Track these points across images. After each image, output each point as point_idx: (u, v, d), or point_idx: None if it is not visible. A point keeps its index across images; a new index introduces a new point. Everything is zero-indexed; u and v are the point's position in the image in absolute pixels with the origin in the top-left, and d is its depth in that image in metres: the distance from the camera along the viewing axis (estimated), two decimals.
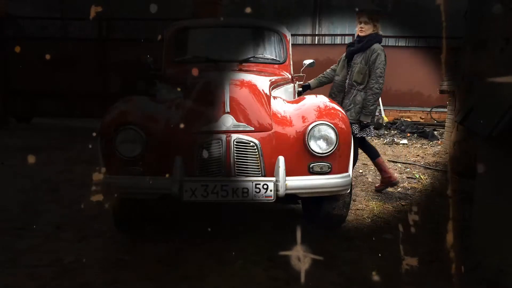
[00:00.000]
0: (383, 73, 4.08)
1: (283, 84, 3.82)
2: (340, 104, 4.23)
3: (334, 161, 2.93)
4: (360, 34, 4.20)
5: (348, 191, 3.08)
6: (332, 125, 2.91)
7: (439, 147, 6.89)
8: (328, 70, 4.57)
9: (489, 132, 2.55)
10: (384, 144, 7.23)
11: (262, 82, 3.29)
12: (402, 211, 3.93)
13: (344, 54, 4.38)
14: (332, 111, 3.11)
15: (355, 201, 4.13)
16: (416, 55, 8.75)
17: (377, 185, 4.59)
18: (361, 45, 4.18)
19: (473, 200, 3.24)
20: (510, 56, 3.05)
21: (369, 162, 5.81)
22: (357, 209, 3.91)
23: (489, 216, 2.92)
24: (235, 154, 2.80)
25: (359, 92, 4.14)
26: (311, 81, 4.59)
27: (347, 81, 4.26)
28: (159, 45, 4.53)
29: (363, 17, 4.15)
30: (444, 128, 6.85)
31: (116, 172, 2.86)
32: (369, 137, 4.37)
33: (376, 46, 4.14)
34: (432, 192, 4.54)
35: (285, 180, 2.79)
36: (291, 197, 2.97)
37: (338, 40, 11.08)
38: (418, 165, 5.65)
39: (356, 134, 4.15)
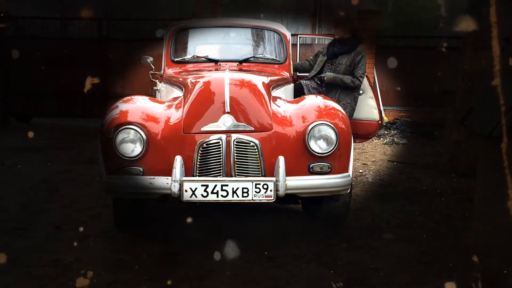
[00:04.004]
0: (364, 74, 4.50)
1: (283, 84, 3.82)
2: None
3: (334, 161, 2.93)
4: (336, 37, 4.61)
5: (348, 191, 3.08)
6: (332, 125, 2.91)
7: (439, 147, 6.88)
8: (306, 61, 4.88)
9: (489, 132, 2.55)
10: (384, 144, 7.22)
11: (262, 82, 3.29)
12: (402, 211, 3.93)
13: (324, 52, 4.63)
14: (332, 111, 3.11)
15: (355, 201, 4.12)
16: (416, 55, 8.73)
17: None
18: (346, 48, 4.49)
19: (473, 200, 3.24)
20: (510, 56, 3.05)
21: (369, 162, 5.81)
22: (357, 209, 3.90)
23: (489, 216, 2.91)
24: (235, 154, 2.80)
25: (343, 90, 4.47)
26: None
27: (326, 79, 4.52)
28: (159, 45, 4.53)
29: (334, 23, 4.65)
30: (444, 128, 6.84)
31: (116, 172, 2.86)
32: None
33: (359, 48, 4.50)
34: (432, 192, 4.54)
35: (285, 180, 2.79)
36: (291, 197, 2.97)
37: None
38: (418, 165, 5.65)
39: None
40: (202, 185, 2.73)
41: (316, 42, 9.06)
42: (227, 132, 2.83)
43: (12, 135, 7.33)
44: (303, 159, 2.91)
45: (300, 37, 5.52)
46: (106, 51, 8.17)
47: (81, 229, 3.38)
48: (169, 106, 3.17)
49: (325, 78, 4.52)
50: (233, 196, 2.74)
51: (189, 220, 3.61)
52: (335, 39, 4.61)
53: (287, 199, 2.99)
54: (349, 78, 4.44)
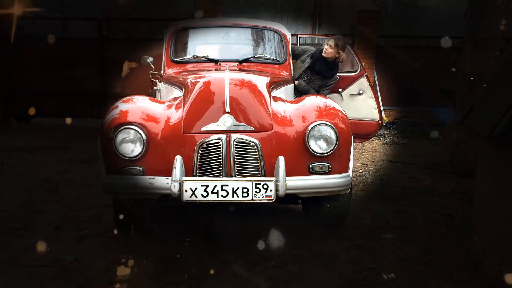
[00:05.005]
0: (327, 95, 4.74)
1: (283, 84, 3.82)
2: None
3: (334, 161, 2.93)
4: (323, 54, 4.61)
5: (348, 191, 3.08)
6: (332, 125, 2.91)
7: (439, 147, 6.88)
8: None
9: (489, 132, 2.55)
10: (384, 144, 7.22)
11: (262, 82, 3.29)
12: (402, 211, 3.93)
13: (309, 60, 4.69)
14: (332, 111, 3.11)
15: (355, 201, 4.12)
16: (416, 55, 8.74)
17: None
18: (331, 74, 4.70)
19: (473, 200, 3.24)
20: (510, 56, 3.05)
21: (369, 162, 5.81)
22: (357, 209, 3.90)
23: (489, 216, 2.91)
24: (235, 154, 2.80)
25: None
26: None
27: (297, 84, 4.63)
28: (159, 45, 4.53)
29: (331, 41, 4.60)
30: (444, 128, 6.84)
31: (116, 172, 2.86)
32: None
33: (337, 74, 4.78)
34: (432, 192, 4.54)
35: (285, 180, 2.79)
36: (291, 197, 2.97)
37: None
38: (418, 165, 5.65)
39: None
40: (202, 185, 2.73)
41: (316, 42, 9.04)
42: (227, 132, 2.83)
43: (12, 135, 7.33)
44: (303, 159, 2.91)
45: (300, 37, 5.52)
46: (106, 51, 8.17)
47: (81, 229, 3.39)
48: (169, 106, 3.17)
49: (296, 83, 4.62)
50: (233, 196, 2.74)
51: (189, 220, 3.61)
52: (323, 56, 4.62)
53: (287, 199, 2.99)
54: (315, 93, 4.67)
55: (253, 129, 2.88)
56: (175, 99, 3.36)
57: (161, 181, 2.79)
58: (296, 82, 4.65)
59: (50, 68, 8.11)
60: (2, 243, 3.12)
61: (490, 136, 2.56)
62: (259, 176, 2.81)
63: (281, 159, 2.82)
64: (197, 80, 3.29)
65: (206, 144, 2.80)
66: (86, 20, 9.64)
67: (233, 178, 2.76)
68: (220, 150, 2.80)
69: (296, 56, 4.81)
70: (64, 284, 2.59)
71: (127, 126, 2.83)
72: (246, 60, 4.07)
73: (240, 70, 3.86)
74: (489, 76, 3.36)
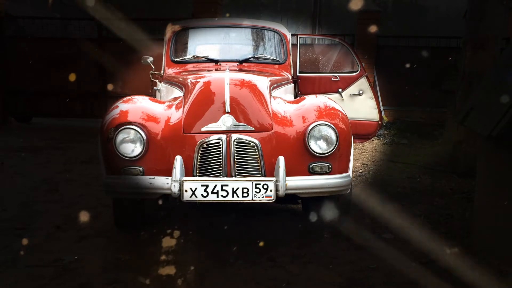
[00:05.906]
0: None
1: (283, 84, 3.82)
2: None
3: (334, 161, 2.93)
4: None
5: (348, 191, 3.08)
6: (332, 125, 2.91)
7: (439, 147, 6.88)
8: None
9: (489, 132, 2.55)
10: (384, 144, 7.22)
11: (262, 82, 3.29)
12: (402, 211, 3.92)
13: None
14: (332, 111, 3.11)
15: (355, 201, 4.11)
16: (416, 55, 8.74)
17: None
18: None
19: (473, 200, 3.24)
20: (510, 56, 3.06)
21: (369, 162, 5.81)
22: (357, 209, 3.90)
23: (489, 216, 2.92)
24: (235, 154, 2.80)
25: None
26: None
27: None
28: (159, 45, 4.53)
29: None
30: (444, 128, 6.84)
31: (116, 172, 2.86)
32: None
33: None
34: (432, 192, 4.54)
35: (285, 180, 2.79)
36: (291, 197, 2.97)
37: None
38: (418, 165, 5.65)
39: None
40: (202, 185, 2.73)
41: (316, 42, 9.05)
42: (227, 132, 2.83)
43: (12, 135, 7.33)
44: (303, 159, 2.91)
45: (300, 37, 5.52)
46: (106, 51, 8.18)
47: (81, 229, 3.39)
48: (169, 106, 3.17)
49: None
50: (233, 196, 2.74)
51: (189, 220, 3.61)
52: None
53: (287, 199, 2.99)
54: None
55: (253, 129, 2.88)
56: (175, 99, 3.36)
57: (161, 181, 2.79)
58: None
59: (50, 68, 8.12)
60: (2, 243, 3.12)
61: (490, 136, 2.56)
62: (259, 176, 2.81)
63: (281, 159, 2.82)
64: (197, 80, 3.29)
65: (206, 144, 2.81)
66: (86, 20, 9.64)
67: (233, 178, 2.76)
68: (220, 150, 2.80)
69: None
70: (64, 284, 2.59)
71: (127, 126, 2.83)
72: (246, 60, 4.08)
73: (240, 70, 3.86)
74: (489, 76, 3.36)
